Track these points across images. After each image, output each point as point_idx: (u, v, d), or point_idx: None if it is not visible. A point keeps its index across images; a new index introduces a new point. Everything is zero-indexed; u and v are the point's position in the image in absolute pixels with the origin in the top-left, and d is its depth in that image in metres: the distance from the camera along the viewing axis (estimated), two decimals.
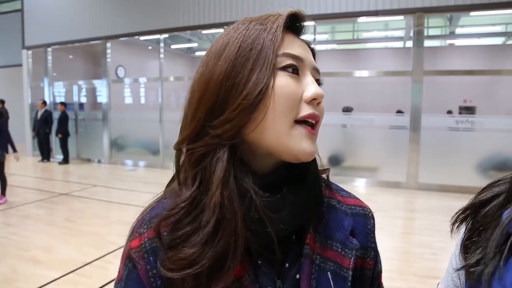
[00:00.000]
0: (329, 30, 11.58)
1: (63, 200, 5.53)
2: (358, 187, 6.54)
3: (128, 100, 11.29)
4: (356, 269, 0.55)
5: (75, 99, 9.95)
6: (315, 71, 0.55)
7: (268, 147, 0.50)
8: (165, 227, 0.49)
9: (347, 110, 7.54)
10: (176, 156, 0.55)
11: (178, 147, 0.54)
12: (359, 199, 0.64)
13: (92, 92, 10.62)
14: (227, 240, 0.46)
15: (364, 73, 7.51)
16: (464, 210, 0.60)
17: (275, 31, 0.51)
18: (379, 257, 0.62)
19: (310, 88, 0.51)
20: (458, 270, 0.58)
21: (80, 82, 10.02)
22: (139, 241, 0.52)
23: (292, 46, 0.52)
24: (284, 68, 0.50)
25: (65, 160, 9.04)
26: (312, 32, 7.38)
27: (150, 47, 11.12)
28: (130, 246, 0.53)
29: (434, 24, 10.76)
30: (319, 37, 7.96)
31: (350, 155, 7.06)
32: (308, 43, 0.57)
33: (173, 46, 12.36)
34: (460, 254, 0.58)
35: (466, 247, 0.57)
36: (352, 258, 0.53)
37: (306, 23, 0.56)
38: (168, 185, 0.59)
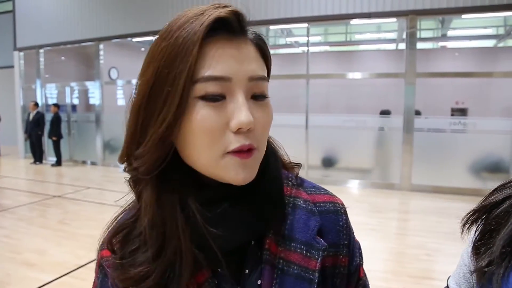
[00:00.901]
0: (322, 32, 11.65)
1: (56, 202, 5.48)
2: (352, 189, 6.57)
3: (121, 101, 11.24)
4: (327, 268, 0.54)
5: (68, 100, 9.88)
6: (253, 82, 0.47)
7: (202, 173, 0.48)
8: (116, 244, 0.51)
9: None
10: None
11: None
12: (331, 194, 0.60)
13: (84, 94, 10.56)
14: (172, 258, 0.47)
15: (357, 75, 7.56)
16: (475, 211, 0.61)
17: (192, 47, 0.43)
18: (358, 251, 0.60)
19: (236, 116, 0.44)
20: (471, 272, 0.58)
21: (73, 84, 9.95)
22: (110, 251, 0.53)
23: (217, 62, 0.44)
24: (203, 97, 0.44)
25: (58, 162, 8.97)
26: (305, 34, 7.43)
27: (143, 49, 11.08)
28: (101, 255, 0.55)
29: (427, 27, 10.87)
30: (312, 39, 7.99)
31: (344, 157, 7.10)
32: (256, 41, 0.49)
33: None
34: (472, 257, 0.58)
35: (477, 249, 0.57)
36: (319, 259, 0.51)
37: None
38: None
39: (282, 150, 0.60)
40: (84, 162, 9.53)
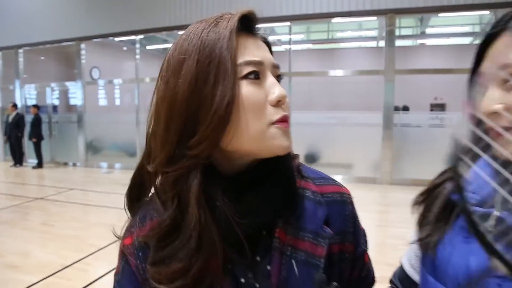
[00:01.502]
0: (305, 30, 11.76)
1: (38, 204, 5.41)
2: None
3: (104, 102, 11.12)
4: (333, 254, 0.58)
5: (48, 101, 9.72)
6: (275, 68, 0.55)
7: (246, 151, 0.52)
8: (153, 239, 0.53)
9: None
10: (152, 175, 0.56)
11: (155, 170, 0.54)
12: (338, 185, 0.64)
13: (65, 94, 10.40)
14: (209, 254, 0.50)
15: (339, 73, 7.69)
16: (421, 194, 0.68)
17: (229, 38, 0.50)
18: (363, 238, 0.66)
19: (273, 90, 0.52)
20: (412, 243, 0.66)
21: (53, 84, 9.78)
22: (131, 240, 0.58)
23: (250, 50, 0.52)
24: (245, 77, 0.50)
25: (39, 164, 8.82)
26: (287, 32, 7.51)
27: (125, 48, 10.98)
28: (123, 243, 0.59)
29: (406, 24, 11.10)
30: (294, 37, 8.08)
31: (326, 153, 7.22)
32: (264, 39, 0.57)
33: (148, 47, 12.23)
34: (416, 232, 0.66)
35: (419, 223, 0.65)
36: (325, 246, 0.55)
37: (259, 21, 0.55)
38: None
39: None
40: (66, 164, 9.39)
